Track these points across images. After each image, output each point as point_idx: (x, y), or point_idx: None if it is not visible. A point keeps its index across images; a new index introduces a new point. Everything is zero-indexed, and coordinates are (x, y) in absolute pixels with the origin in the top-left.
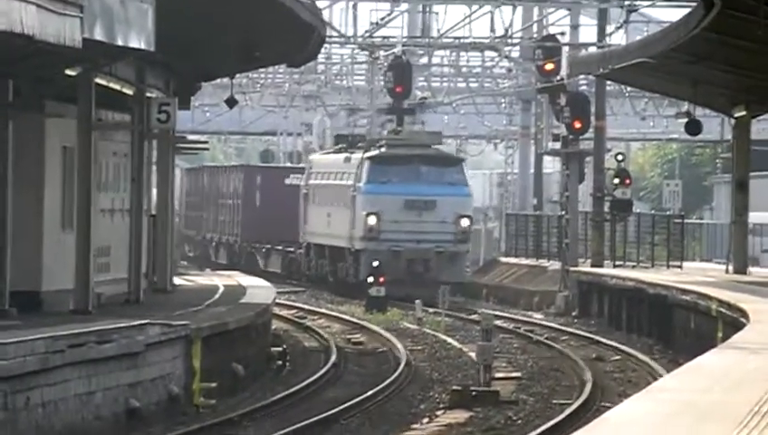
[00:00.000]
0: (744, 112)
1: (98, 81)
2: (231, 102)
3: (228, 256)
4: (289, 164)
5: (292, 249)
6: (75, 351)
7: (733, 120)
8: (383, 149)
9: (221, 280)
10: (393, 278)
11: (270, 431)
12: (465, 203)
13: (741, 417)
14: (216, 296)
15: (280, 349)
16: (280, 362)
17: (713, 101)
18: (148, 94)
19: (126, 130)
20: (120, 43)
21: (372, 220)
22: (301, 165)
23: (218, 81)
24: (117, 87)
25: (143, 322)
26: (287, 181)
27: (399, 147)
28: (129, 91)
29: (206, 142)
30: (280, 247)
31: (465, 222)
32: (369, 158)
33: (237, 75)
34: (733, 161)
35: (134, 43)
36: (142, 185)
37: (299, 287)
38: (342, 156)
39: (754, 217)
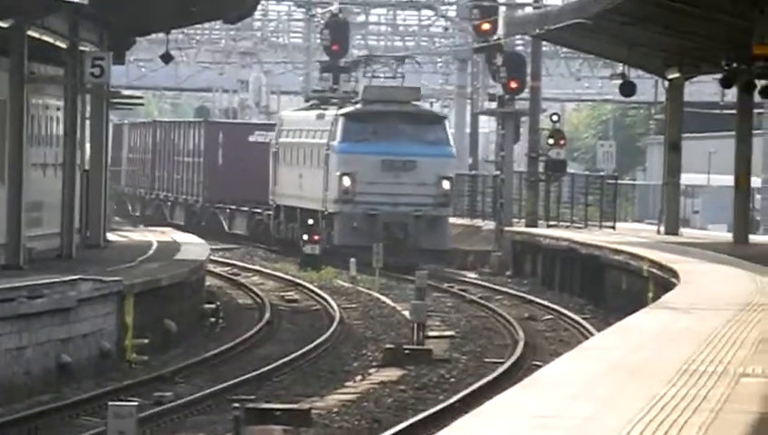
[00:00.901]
0: (677, 74)
1: (30, 33)
2: (167, 58)
3: (186, 217)
4: (258, 120)
5: (259, 210)
6: (6, 306)
7: (666, 82)
8: (359, 106)
9: (155, 236)
10: (370, 244)
11: (202, 388)
12: (447, 164)
13: (670, 375)
14: (150, 252)
15: (213, 306)
16: (213, 319)
17: (647, 62)
18: (82, 48)
19: (59, 84)
20: None
21: (347, 181)
22: (267, 122)
23: (154, 36)
24: (50, 40)
25: (75, 277)
26: (251, 139)
27: (376, 103)
28: (63, 45)
29: (141, 98)
30: (245, 209)
31: (446, 184)
32: (343, 114)
33: (173, 31)
34: (666, 123)
35: None
36: (75, 140)
37: (233, 244)
38: (315, 112)
39: (686, 178)
